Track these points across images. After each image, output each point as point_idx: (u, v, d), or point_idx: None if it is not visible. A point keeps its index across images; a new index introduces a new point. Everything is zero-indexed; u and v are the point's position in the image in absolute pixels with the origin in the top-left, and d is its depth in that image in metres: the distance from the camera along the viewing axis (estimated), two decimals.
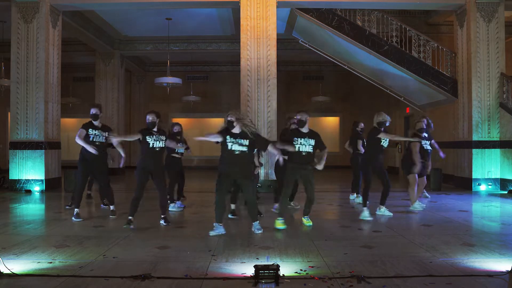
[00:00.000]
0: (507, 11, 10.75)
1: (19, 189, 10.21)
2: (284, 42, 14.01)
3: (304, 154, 5.87)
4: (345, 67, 12.74)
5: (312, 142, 5.90)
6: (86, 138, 6.48)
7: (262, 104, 10.26)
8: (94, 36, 13.60)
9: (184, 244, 4.97)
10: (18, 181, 10.27)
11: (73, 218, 6.49)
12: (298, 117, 5.97)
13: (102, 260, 4.28)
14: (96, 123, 6.70)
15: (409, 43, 11.37)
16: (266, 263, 3.98)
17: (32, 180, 10.26)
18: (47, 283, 3.61)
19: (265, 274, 3.59)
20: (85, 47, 15.29)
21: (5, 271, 3.77)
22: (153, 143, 5.94)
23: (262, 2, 10.27)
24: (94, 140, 6.54)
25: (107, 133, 6.74)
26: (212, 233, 5.41)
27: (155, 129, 6.04)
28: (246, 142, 5.45)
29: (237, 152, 5.43)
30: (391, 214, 6.86)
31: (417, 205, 7.48)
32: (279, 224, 5.89)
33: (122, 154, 6.53)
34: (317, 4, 10.89)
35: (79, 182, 6.65)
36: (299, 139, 5.90)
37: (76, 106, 17.98)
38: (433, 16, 12.78)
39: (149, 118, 6.02)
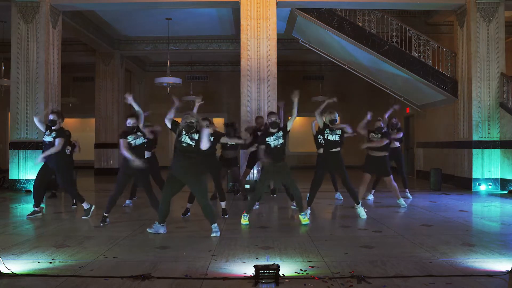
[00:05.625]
0: (507, 11, 10.74)
1: (19, 189, 10.21)
2: (284, 42, 14.01)
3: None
4: (345, 67, 12.74)
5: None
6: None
7: (262, 104, 10.26)
8: (94, 36, 13.59)
9: (184, 244, 4.97)
10: (18, 181, 10.27)
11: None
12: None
13: (102, 260, 4.28)
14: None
15: (409, 43, 11.36)
16: (266, 263, 3.98)
17: (32, 180, 10.19)
18: (47, 283, 3.61)
19: (265, 274, 3.59)
20: (85, 47, 15.29)
21: (5, 271, 3.77)
22: (134, 142, 6.10)
23: (262, 2, 10.27)
24: None
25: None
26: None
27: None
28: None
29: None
30: (365, 216, 6.70)
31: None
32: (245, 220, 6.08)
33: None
34: (317, 4, 10.89)
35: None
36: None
37: (76, 106, 17.99)
38: (433, 16, 12.78)
39: (130, 121, 6.14)
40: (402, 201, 7.80)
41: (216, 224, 5.48)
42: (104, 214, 6.14)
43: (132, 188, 8.10)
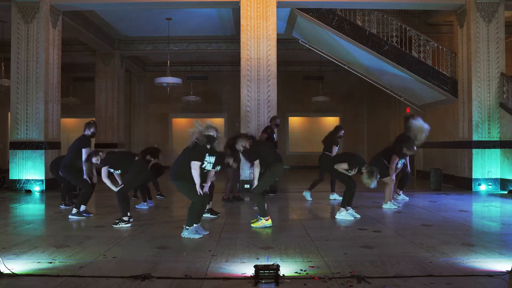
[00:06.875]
0: (507, 11, 10.74)
1: (19, 189, 10.21)
2: (284, 42, 14.01)
3: None
4: (345, 67, 12.74)
5: None
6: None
7: (262, 104, 10.26)
8: (94, 36, 13.60)
9: (184, 244, 4.97)
10: (18, 181, 10.27)
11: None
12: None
13: (102, 260, 4.28)
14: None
15: (409, 43, 11.36)
16: (266, 263, 3.98)
17: (32, 180, 10.25)
18: (47, 283, 3.61)
19: (265, 274, 3.59)
20: (85, 47, 15.29)
21: (5, 271, 3.77)
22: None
23: (262, 2, 10.27)
24: None
25: None
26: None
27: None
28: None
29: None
30: (353, 218, 6.62)
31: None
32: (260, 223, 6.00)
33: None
34: (317, 4, 10.89)
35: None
36: None
37: (76, 106, 17.99)
38: (433, 16, 12.78)
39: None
40: (390, 204, 7.68)
41: (192, 227, 5.38)
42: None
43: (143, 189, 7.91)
